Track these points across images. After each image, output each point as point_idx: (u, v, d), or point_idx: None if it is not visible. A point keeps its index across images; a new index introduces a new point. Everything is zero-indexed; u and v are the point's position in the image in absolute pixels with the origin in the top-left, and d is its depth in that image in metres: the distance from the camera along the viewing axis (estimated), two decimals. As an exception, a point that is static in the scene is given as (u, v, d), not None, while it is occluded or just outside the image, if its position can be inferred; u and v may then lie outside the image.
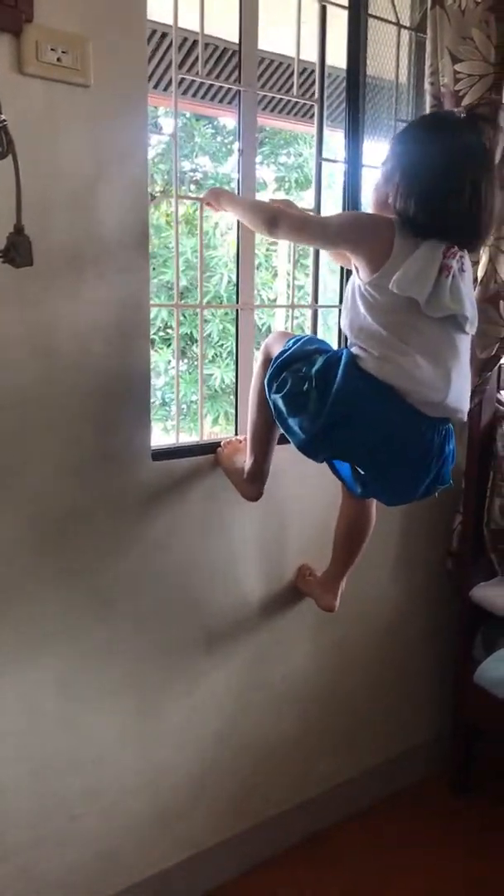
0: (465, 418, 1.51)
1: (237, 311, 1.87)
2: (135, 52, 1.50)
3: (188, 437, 1.84)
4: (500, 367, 2.10)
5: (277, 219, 1.50)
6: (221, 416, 4.66)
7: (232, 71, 1.82)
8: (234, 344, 1.90)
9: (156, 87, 2.53)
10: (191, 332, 4.66)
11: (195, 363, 4.06)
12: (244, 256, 1.85)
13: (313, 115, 1.99)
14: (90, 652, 1.63)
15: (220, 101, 3.00)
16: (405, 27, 2.10)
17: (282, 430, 1.53)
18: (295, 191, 5.15)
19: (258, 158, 1.80)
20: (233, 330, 1.95)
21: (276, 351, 1.54)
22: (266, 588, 1.92)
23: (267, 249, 5.08)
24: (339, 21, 1.95)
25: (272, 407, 1.51)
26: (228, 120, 1.67)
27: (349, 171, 2.00)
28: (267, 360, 1.58)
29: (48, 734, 1.59)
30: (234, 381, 1.93)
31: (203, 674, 1.83)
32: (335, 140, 2.02)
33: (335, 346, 1.70)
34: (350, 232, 1.46)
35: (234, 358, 1.90)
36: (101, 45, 1.45)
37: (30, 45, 1.36)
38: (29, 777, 1.58)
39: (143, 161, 1.55)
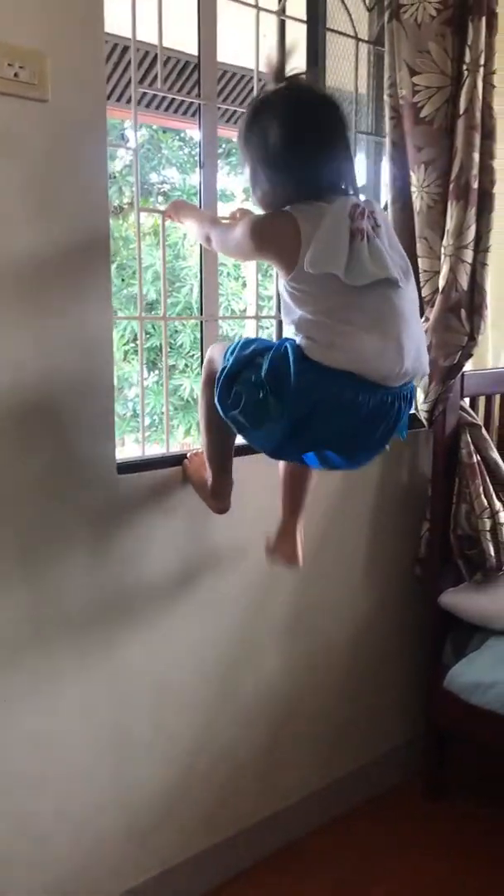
0: (428, 370, 1.49)
1: (202, 322, 1.88)
2: (93, 66, 1.50)
3: (160, 449, 1.83)
4: (462, 374, 2.12)
5: (209, 236, 1.54)
6: (194, 427, 4.66)
7: (194, 84, 1.83)
8: (201, 355, 1.90)
9: (119, 99, 2.54)
10: (160, 344, 4.66)
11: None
12: (207, 268, 1.86)
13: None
14: (58, 667, 1.62)
15: (185, 113, 3.01)
16: (363, 41, 2.13)
17: (246, 442, 1.52)
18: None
19: (226, 170, 1.81)
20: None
21: (217, 366, 1.49)
22: (235, 598, 1.92)
23: (236, 262, 5.10)
24: (299, 32, 1.98)
25: (232, 423, 1.46)
26: (194, 131, 1.68)
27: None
28: (210, 377, 1.53)
29: (16, 750, 1.58)
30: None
31: (174, 683, 1.82)
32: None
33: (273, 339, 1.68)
34: (253, 240, 1.41)
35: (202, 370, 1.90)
36: (59, 59, 1.45)
37: (-14, 61, 1.36)
38: (2, 795, 1.57)
39: (103, 174, 1.55)
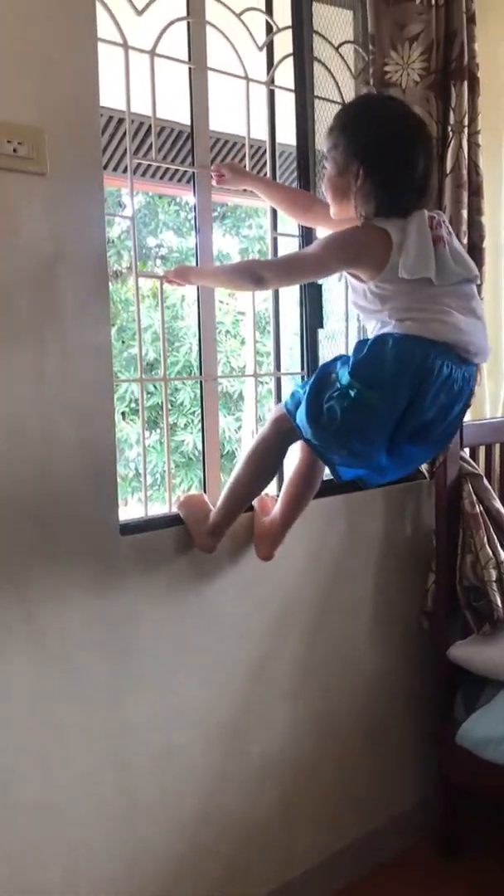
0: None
1: (201, 382, 1.90)
2: (89, 140, 1.55)
3: (162, 508, 1.84)
4: (462, 425, 2.13)
5: (260, 272, 1.58)
6: (196, 486, 4.67)
7: (188, 153, 1.88)
8: (202, 413, 1.92)
9: (115, 169, 2.61)
10: (161, 402, 4.70)
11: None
12: (205, 328, 1.89)
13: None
14: (61, 730, 1.60)
15: (179, 180, 3.09)
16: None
17: (345, 462, 1.59)
18: (258, 261, 5.25)
19: (221, 231, 1.86)
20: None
21: (285, 405, 1.61)
22: (240, 659, 1.90)
23: (234, 318, 5.17)
24: (287, 101, 2.04)
25: (327, 448, 1.55)
26: (190, 196, 1.73)
27: (302, 245, 2.06)
28: (281, 422, 1.62)
29: (21, 817, 1.55)
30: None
31: (179, 748, 1.80)
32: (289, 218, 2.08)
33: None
34: (344, 253, 1.55)
35: (201, 428, 1.92)
36: (56, 134, 1.50)
37: (-15, 139, 1.41)
38: (4, 866, 1.53)
39: (101, 242, 1.59)
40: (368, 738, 2.22)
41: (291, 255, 1.60)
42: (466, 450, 2.23)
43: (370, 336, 1.59)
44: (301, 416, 1.55)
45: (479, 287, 1.76)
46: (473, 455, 2.28)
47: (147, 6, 1.72)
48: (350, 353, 1.61)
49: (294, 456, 1.78)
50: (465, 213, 1.97)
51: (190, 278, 1.71)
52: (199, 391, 1.92)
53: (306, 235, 2.05)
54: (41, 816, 1.58)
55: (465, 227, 1.98)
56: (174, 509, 1.80)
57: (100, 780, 1.66)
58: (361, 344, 1.56)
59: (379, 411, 1.46)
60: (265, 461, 1.66)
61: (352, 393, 1.46)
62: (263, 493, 1.87)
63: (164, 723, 1.76)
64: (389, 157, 1.52)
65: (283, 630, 1.98)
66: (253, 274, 1.58)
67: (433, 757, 2.28)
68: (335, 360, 1.61)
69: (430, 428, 1.55)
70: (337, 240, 1.57)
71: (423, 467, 2.13)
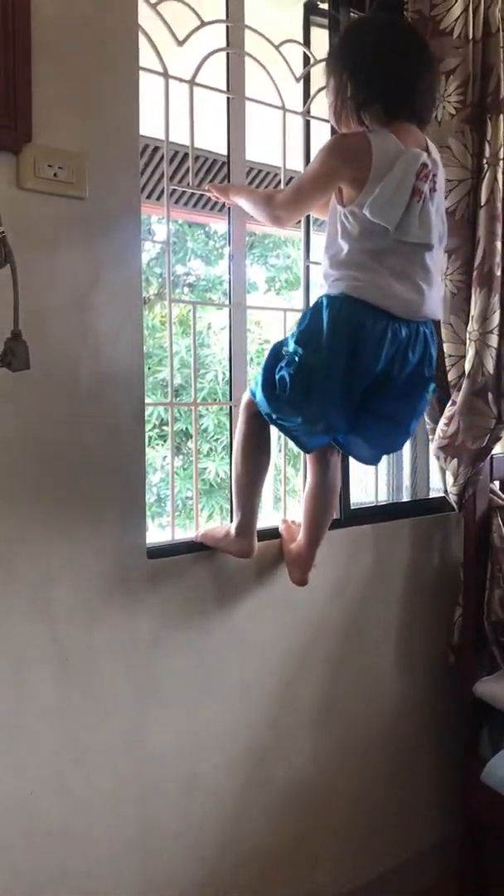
0: (441, 316, 1.68)
1: (230, 407, 1.90)
2: (128, 166, 1.57)
3: (183, 533, 1.83)
4: (492, 457, 2.12)
5: (277, 212, 1.61)
6: (216, 512, 4.65)
7: (222, 180, 1.90)
8: (229, 439, 1.91)
9: (149, 196, 2.64)
10: (186, 428, 4.71)
11: (191, 458, 4.09)
12: (236, 354, 1.89)
13: (300, 220, 2.07)
14: (85, 753, 1.58)
15: (212, 209, 3.12)
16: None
17: (298, 430, 1.59)
18: (285, 290, 5.30)
19: (248, 260, 1.87)
20: (228, 423, 1.97)
21: (250, 391, 1.64)
22: (265, 686, 1.88)
23: (259, 347, 5.19)
24: (323, 132, 2.06)
25: (284, 417, 1.57)
26: (219, 224, 1.74)
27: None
28: (249, 406, 1.65)
29: (42, 844, 1.53)
30: (228, 475, 1.94)
31: (202, 773, 1.77)
32: (321, 242, 2.09)
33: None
34: (334, 156, 1.51)
35: (229, 453, 1.91)
36: (96, 160, 1.52)
37: (28, 163, 1.43)
38: (23, 892, 1.51)
39: (137, 268, 1.61)
40: (391, 771, 2.18)
41: (296, 181, 1.60)
42: (497, 482, 2.20)
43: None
44: (258, 392, 1.60)
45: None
46: None
47: (188, 37, 1.75)
48: None
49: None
50: (499, 244, 1.97)
51: (229, 195, 1.74)
52: (222, 418, 1.92)
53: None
54: (62, 843, 1.56)
55: (498, 259, 1.97)
56: (199, 534, 1.79)
57: (121, 806, 1.64)
58: (304, 314, 1.59)
59: (320, 371, 1.50)
60: (250, 445, 1.68)
61: (296, 358, 1.51)
62: (291, 520, 1.87)
63: (187, 747, 1.74)
64: (375, 60, 1.52)
65: (307, 658, 1.95)
66: (271, 215, 1.63)
67: (457, 794, 2.24)
68: (288, 336, 1.63)
69: (389, 381, 1.55)
70: (326, 145, 1.55)
71: (452, 499, 2.11)
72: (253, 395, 1.64)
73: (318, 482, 1.77)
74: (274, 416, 1.59)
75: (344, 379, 1.50)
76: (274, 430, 1.68)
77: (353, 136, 1.53)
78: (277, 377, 1.55)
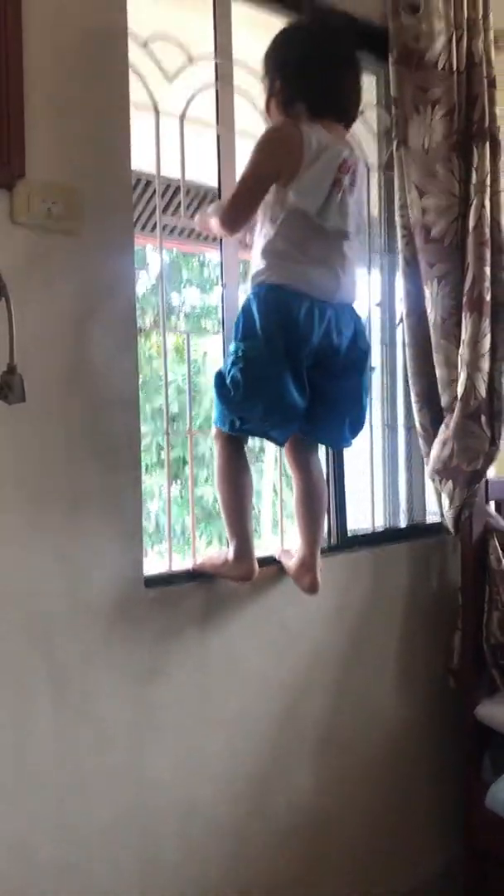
0: (356, 299, 1.73)
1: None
2: (121, 200, 1.60)
3: (182, 561, 1.83)
4: (486, 480, 2.13)
5: (228, 223, 1.66)
6: (215, 539, 4.64)
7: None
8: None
9: (143, 228, 2.66)
10: (183, 455, 4.71)
11: (188, 485, 4.08)
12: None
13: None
14: (85, 785, 1.57)
15: (204, 239, 3.15)
16: (374, 166, 2.24)
17: (259, 425, 1.64)
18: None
19: (243, 288, 1.89)
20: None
21: (214, 421, 1.70)
22: (264, 713, 1.88)
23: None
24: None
25: (241, 414, 1.61)
26: (214, 253, 1.78)
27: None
28: (219, 435, 1.70)
29: (37, 879, 1.52)
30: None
31: (202, 803, 1.76)
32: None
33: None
34: (267, 145, 1.60)
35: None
36: (89, 195, 1.54)
37: (22, 198, 1.44)
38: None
39: (131, 299, 1.63)
40: (392, 798, 2.17)
41: (241, 183, 1.65)
42: (492, 504, 2.21)
43: None
44: (216, 407, 1.67)
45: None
46: (500, 510, 2.26)
47: (178, 73, 1.79)
48: None
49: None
50: (487, 270, 2.00)
51: (208, 223, 1.75)
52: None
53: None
54: (60, 878, 1.54)
55: (488, 284, 2.00)
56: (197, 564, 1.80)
57: (121, 837, 1.62)
58: (237, 319, 1.66)
59: (264, 357, 1.57)
60: (230, 469, 1.71)
61: (240, 353, 1.59)
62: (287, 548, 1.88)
63: (187, 777, 1.73)
64: (301, 62, 1.59)
65: (307, 684, 1.95)
66: (224, 227, 1.67)
67: (459, 820, 2.22)
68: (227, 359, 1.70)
69: (330, 359, 1.64)
70: (263, 139, 1.62)
71: (449, 522, 2.11)
72: (217, 423, 1.69)
73: (304, 487, 1.80)
74: (238, 424, 1.63)
75: (286, 358, 1.58)
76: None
77: (285, 126, 1.61)
78: (229, 381, 1.62)
